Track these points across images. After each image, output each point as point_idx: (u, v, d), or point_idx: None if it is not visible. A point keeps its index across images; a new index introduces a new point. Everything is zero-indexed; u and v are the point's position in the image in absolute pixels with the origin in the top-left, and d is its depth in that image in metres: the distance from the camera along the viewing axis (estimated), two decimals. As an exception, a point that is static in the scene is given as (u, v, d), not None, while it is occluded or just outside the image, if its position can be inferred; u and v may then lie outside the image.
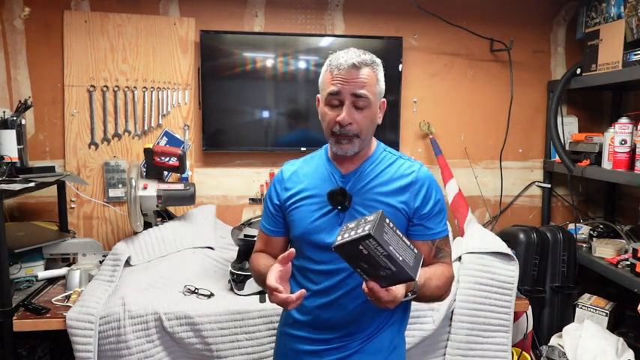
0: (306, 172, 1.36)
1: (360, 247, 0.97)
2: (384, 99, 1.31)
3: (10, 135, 2.07)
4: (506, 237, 2.38)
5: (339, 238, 1.00)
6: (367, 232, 0.95)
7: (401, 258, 0.99)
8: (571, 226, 2.65)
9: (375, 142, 1.36)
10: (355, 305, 1.28)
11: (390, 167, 1.31)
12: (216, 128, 2.58)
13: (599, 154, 2.35)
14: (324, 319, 1.30)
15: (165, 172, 2.48)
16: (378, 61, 1.28)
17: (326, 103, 1.25)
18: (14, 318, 1.81)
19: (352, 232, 0.98)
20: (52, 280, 2.14)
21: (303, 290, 1.15)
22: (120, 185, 2.53)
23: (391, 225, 1.02)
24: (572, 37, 2.77)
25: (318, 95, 1.30)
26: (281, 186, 1.37)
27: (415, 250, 1.05)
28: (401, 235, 1.03)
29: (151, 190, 2.21)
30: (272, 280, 1.15)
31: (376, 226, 0.96)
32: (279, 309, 1.79)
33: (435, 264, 1.30)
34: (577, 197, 2.82)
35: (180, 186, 2.28)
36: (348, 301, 1.28)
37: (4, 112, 2.12)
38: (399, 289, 1.07)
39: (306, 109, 2.63)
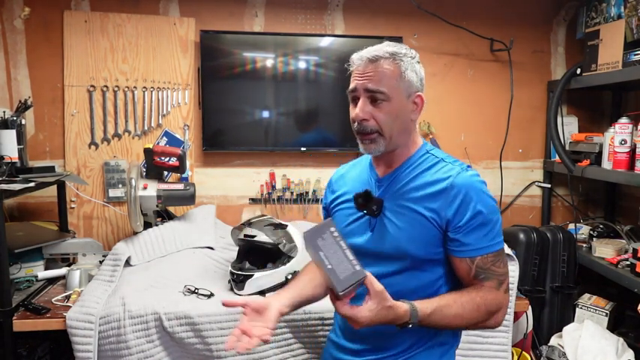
0: (352, 175, 1.35)
1: (308, 247, 1.00)
2: (419, 93, 1.19)
3: (10, 135, 2.06)
4: (506, 237, 2.36)
5: None
6: (303, 234, 0.99)
7: (330, 266, 0.97)
8: (571, 226, 2.64)
9: (419, 142, 1.25)
10: None
11: (429, 171, 1.18)
12: (216, 128, 2.58)
13: (599, 154, 2.35)
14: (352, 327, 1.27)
15: (165, 172, 2.48)
16: (406, 52, 1.18)
17: (350, 101, 1.22)
18: (14, 318, 1.81)
19: None
20: (52, 280, 2.13)
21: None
22: (120, 185, 2.53)
23: (335, 234, 1.01)
24: (572, 37, 2.77)
25: None
26: (329, 189, 1.39)
27: (357, 268, 0.99)
28: (344, 248, 1.01)
29: (151, 190, 2.21)
30: (232, 335, 1.12)
31: (314, 230, 0.99)
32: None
33: (472, 286, 1.15)
34: (577, 197, 2.82)
35: (180, 186, 2.28)
36: None
37: (4, 112, 2.12)
38: (362, 311, 1.00)
39: (307, 109, 2.63)
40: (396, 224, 1.18)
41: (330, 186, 1.41)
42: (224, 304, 1.14)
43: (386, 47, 1.18)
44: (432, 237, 1.15)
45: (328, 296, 1.06)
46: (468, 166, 1.19)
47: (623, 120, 2.19)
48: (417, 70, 1.19)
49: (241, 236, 1.97)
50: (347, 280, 0.98)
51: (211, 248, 2.31)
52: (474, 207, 1.11)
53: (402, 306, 1.06)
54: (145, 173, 2.33)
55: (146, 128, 2.55)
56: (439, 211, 1.13)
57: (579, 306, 2.36)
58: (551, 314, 2.42)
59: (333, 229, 1.00)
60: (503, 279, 1.16)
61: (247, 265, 1.98)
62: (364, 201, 1.18)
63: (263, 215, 2.08)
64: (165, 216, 2.38)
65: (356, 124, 1.18)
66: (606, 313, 2.28)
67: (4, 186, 1.85)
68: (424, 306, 1.08)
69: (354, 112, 1.17)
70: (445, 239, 1.15)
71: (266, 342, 1.08)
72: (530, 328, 2.20)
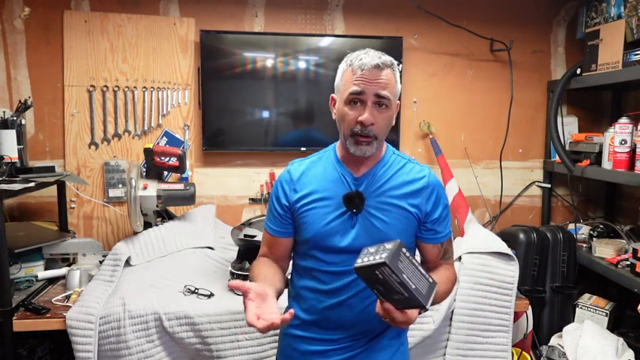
0: (315, 173, 1.33)
1: (377, 272, 1.03)
2: (398, 101, 1.31)
3: (10, 135, 2.07)
4: (506, 237, 2.38)
5: (359, 260, 1.05)
6: (383, 259, 1.01)
7: (414, 286, 1.03)
8: (571, 226, 2.65)
9: (384, 144, 1.36)
10: (364, 306, 1.28)
11: (402, 170, 1.32)
12: (216, 128, 2.58)
13: (599, 154, 2.35)
14: (333, 319, 1.30)
15: (165, 172, 2.48)
16: (395, 62, 1.29)
17: (346, 102, 1.24)
18: (14, 318, 1.81)
19: (371, 257, 1.04)
20: (52, 280, 2.14)
21: (291, 311, 1.13)
22: (120, 185, 2.53)
23: (407, 254, 1.06)
24: (572, 37, 2.77)
25: (333, 95, 1.30)
26: (290, 187, 1.33)
27: (430, 280, 1.08)
28: (416, 265, 1.07)
29: (151, 190, 2.21)
30: (252, 317, 1.07)
31: (392, 254, 1.02)
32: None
33: (441, 267, 1.34)
34: (577, 197, 2.82)
35: (180, 186, 2.28)
36: (358, 302, 1.28)
37: (4, 112, 2.12)
38: (413, 312, 1.09)
39: (307, 109, 2.63)
40: (383, 220, 1.27)
41: (290, 184, 1.33)
42: (230, 286, 1.15)
43: (383, 56, 1.24)
44: (412, 228, 1.31)
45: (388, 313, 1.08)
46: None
47: (623, 120, 2.19)
48: (399, 79, 1.30)
49: (241, 236, 1.98)
50: (428, 294, 1.06)
51: (211, 248, 2.31)
52: (443, 202, 1.33)
53: None
54: (145, 173, 2.34)
55: (146, 128, 2.55)
56: (420, 206, 1.30)
57: (579, 306, 2.37)
58: (551, 314, 2.42)
59: (404, 249, 1.06)
60: (453, 256, 1.41)
61: (247, 265, 1.99)
62: (360, 200, 1.26)
63: (263, 215, 2.08)
64: (165, 216, 2.38)
65: (359, 126, 1.22)
66: (606, 313, 2.28)
67: (4, 186, 1.85)
68: None
69: (364, 116, 1.20)
70: (420, 230, 1.32)
71: (276, 327, 1.09)
72: (530, 328, 2.20)
